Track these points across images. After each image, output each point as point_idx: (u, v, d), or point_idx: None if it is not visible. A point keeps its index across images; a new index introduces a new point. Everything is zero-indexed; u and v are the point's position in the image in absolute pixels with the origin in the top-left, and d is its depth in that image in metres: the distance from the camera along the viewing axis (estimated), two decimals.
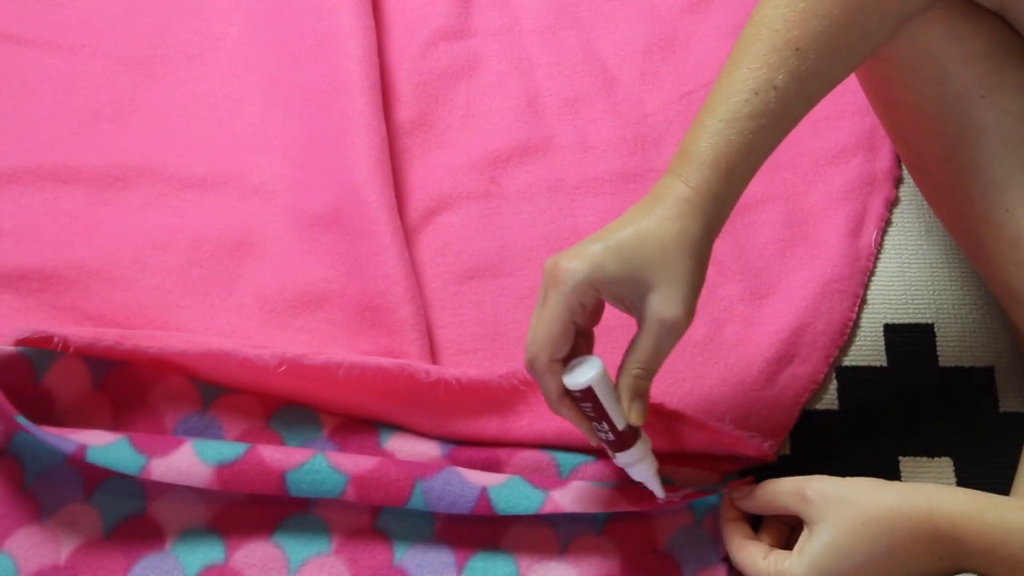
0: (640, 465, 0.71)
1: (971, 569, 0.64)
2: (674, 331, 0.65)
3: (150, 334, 0.81)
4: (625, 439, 0.69)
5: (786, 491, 0.70)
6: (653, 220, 0.64)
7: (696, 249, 0.65)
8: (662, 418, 0.77)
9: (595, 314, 0.68)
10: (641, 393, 0.67)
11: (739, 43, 0.66)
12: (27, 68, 0.97)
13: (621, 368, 0.66)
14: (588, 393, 0.65)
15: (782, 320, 0.87)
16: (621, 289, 0.64)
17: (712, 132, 0.65)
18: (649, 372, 0.66)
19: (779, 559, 0.68)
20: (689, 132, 0.66)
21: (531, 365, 0.66)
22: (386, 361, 0.78)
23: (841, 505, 0.66)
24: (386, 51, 0.99)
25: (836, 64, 0.66)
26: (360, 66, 0.94)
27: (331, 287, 0.86)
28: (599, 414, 0.67)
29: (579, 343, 0.68)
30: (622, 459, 0.70)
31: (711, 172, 0.65)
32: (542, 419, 0.79)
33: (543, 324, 0.64)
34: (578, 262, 0.63)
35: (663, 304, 0.64)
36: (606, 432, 0.68)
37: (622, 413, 0.67)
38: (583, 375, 0.65)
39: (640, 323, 0.65)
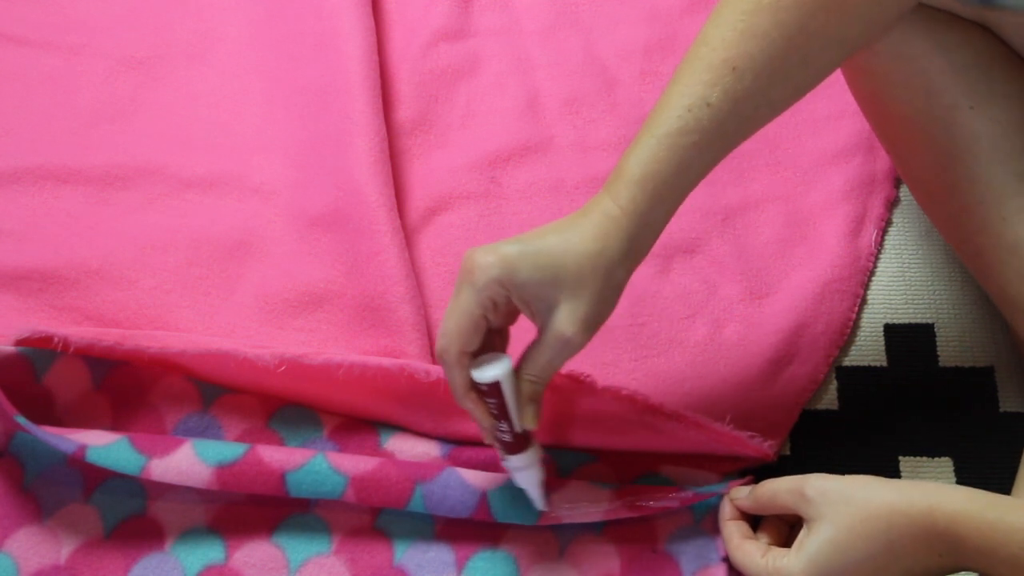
0: (528, 471, 0.71)
1: (970, 567, 0.64)
2: (569, 348, 0.65)
3: (150, 334, 0.81)
4: (520, 442, 0.69)
5: (785, 489, 0.70)
6: (575, 235, 0.64)
7: (611, 272, 0.64)
8: (662, 418, 0.77)
9: (510, 313, 0.67)
10: (535, 397, 0.67)
11: (681, 62, 0.66)
12: (28, 68, 0.97)
13: (516, 373, 0.66)
14: (494, 389, 0.66)
15: (782, 320, 0.87)
16: (529, 295, 0.64)
17: (643, 148, 0.64)
18: (543, 380, 0.66)
19: (777, 557, 0.68)
20: (626, 150, 0.65)
21: (441, 356, 0.66)
22: (386, 361, 0.78)
23: (840, 502, 0.66)
24: (386, 51, 1.00)
25: (774, 87, 0.65)
26: (360, 66, 0.94)
27: (331, 287, 0.86)
28: (501, 412, 0.67)
29: (494, 340, 0.68)
30: (513, 462, 0.70)
31: (638, 191, 0.64)
32: (542, 420, 0.78)
33: (454, 317, 0.64)
34: (493, 260, 0.63)
35: (564, 320, 0.63)
36: (504, 432, 0.68)
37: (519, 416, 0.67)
38: (491, 371, 0.65)
39: (540, 332, 0.65)
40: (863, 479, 0.67)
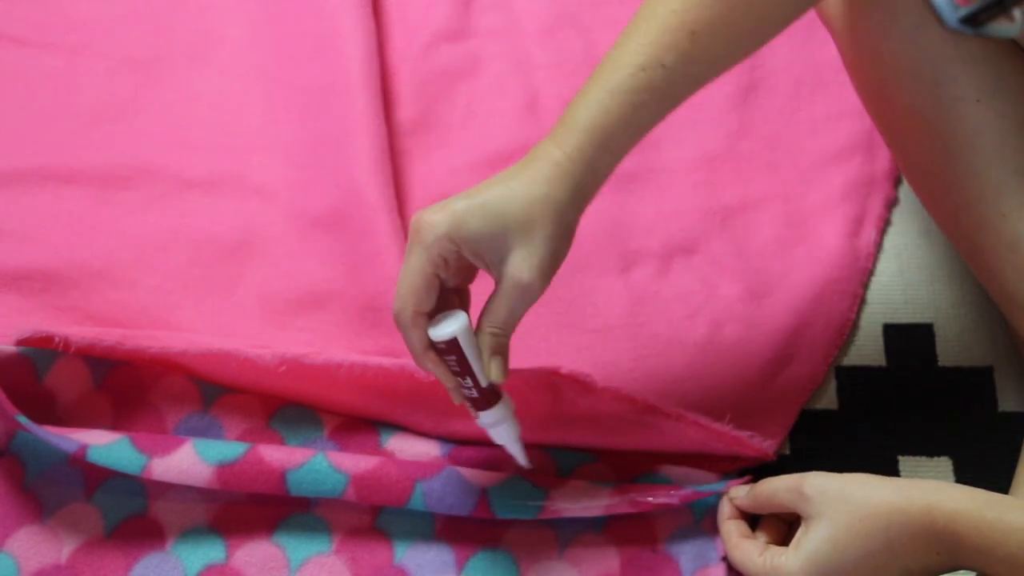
0: (502, 426, 0.70)
1: (969, 566, 0.64)
2: (528, 294, 0.65)
3: (151, 334, 0.81)
4: (487, 397, 0.69)
5: (783, 488, 0.70)
6: (521, 181, 0.64)
7: (561, 215, 0.64)
8: (662, 418, 0.77)
9: (464, 271, 0.67)
10: (500, 350, 0.67)
11: (636, 16, 0.66)
12: (29, 69, 0.97)
13: (478, 327, 0.66)
14: (452, 345, 0.65)
15: (781, 320, 0.88)
16: (480, 247, 0.64)
17: (593, 100, 0.65)
18: (506, 331, 0.66)
19: (775, 555, 0.68)
20: (573, 100, 0.66)
21: (397, 318, 0.66)
22: (386, 361, 0.78)
23: (838, 500, 0.67)
24: (387, 52, 1.00)
25: (728, 50, 0.66)
26: (361, 67, 0.94)
27: (332, 287, 0.87)
28: (463, 368, 0.67)
29: (451, 299, 0.68)
30: (484, 419, 0.70)
31: (586, 139, 0.64)
32: (542, 420, 0.79)
33: (406, 277, 0.64)
34: (440, 216, 0.63)
35: (519, 266, 0.64)
36: (470, 388, 0.68)
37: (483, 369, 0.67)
38: (447, 327, 0.65)
39: (497, 283, 0.65)
40: (862, 477, 0.67)
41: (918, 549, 0.64)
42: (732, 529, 0.74)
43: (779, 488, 0.71)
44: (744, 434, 0.78)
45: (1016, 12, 0.45)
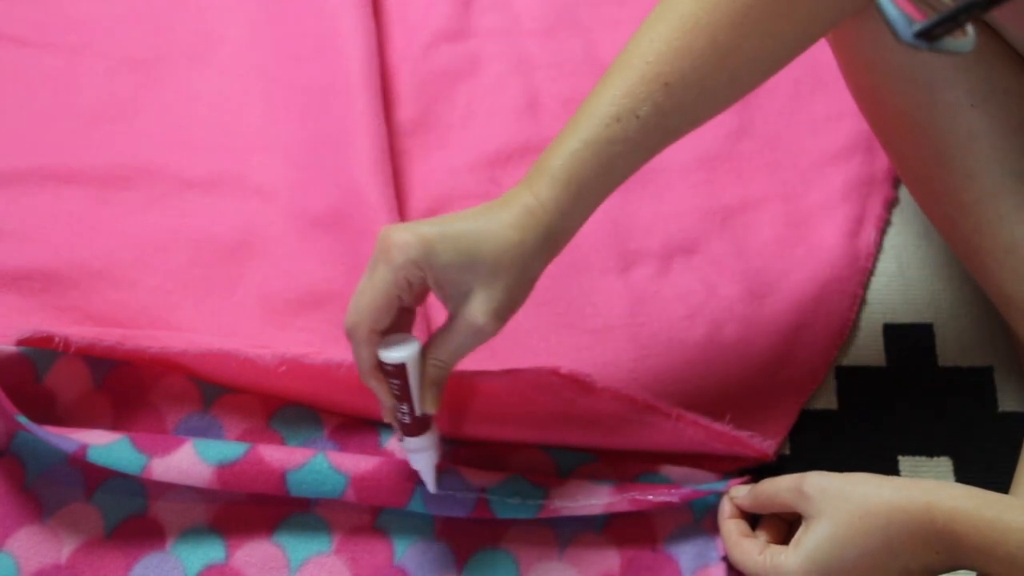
0: (424, 454, 0.71)
1: (968, 565, 0.64)
2: (480, 336, 0.65)
3: (151, 334, 0.80)
4: (419, 425, 0.69)
5: (783, 487, 0.70)
6: (495, 223, 0.64)
7: (528, 264, 0.65)
8: (662, 417, 0.77)
9: (422, 294, 0.67)
10: (438, 382, 0.67)
11: (611, 67, 0.66)
12: (29, 69, 0.97)
13: (423, 356, 0.66)
14: (399, 371, 0.66)
15: (781, 320, 0.88)
16: (445, 279, 0.63)
17: (568, 152, 0.64)
18: (448, 365, 0.67)
19: (775, 554, 0.68)
20: (549, 147, 0.66)
21: (350, 332, 0.65)
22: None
23: (838, 499, 0.67)
24: (387, 52, 1.00)
25: (702, 103, 0.66)
26: (361, 67, 0.94)
27: (332, 287, 0.87)
28: (403, 394, 0.67)
29: (402, 318, 0.67)
30: (410, 444, 0.70)
31: (562, 190, 0.64)
32: (542, 420, 0.79)
33: (367, 294, 0.64)
34: (412, 240, 0.62)
35: (478, 309, 0.64)
36: (405, 414, 0.68)
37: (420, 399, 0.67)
38: (398, 352, 0.65)
39: (451, 317, 0.65)
40: (862, 476, 0.67)
41: (918, 548, 0.64)
42: (732, 528, 0.74)
43: (779, 487, 0.71)
44: (744, 434, 0.78)
45: (968, 27, 0.45)
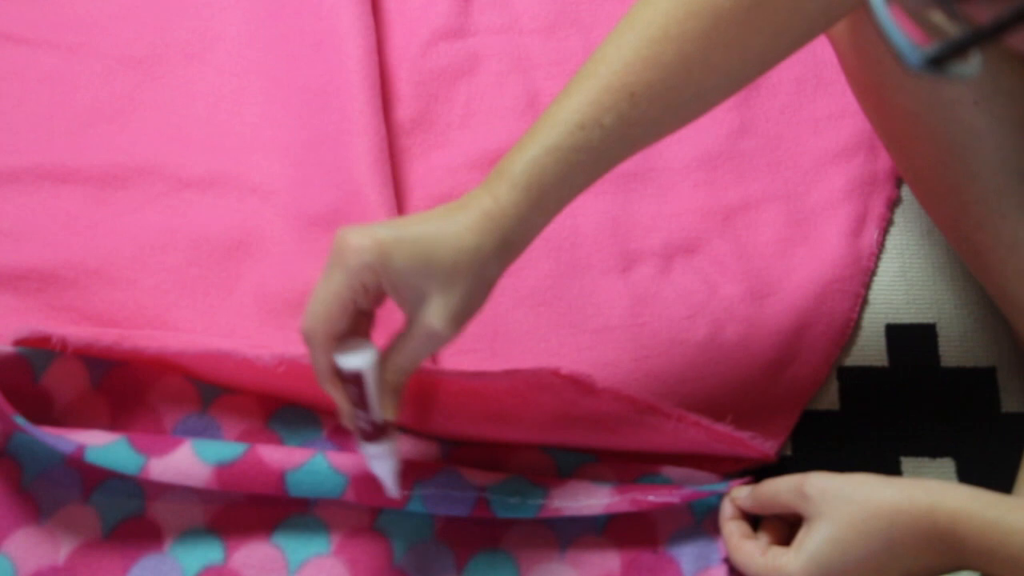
0: (384, 461, 0.70)
1: (971, 566, 0.64)
2: (437, 341, 0.64)
3: (149, 334, 0.80)
4: (378, 431, 0.68)
5: (785, 488, 0.70)
6: (452, 227, 0.63)
7: (485, 269, 0.64)
8: (662, 418, 0.77)
9: (378, 298, 0.66)
10: (397, 388, 0.66)
11: (577, 74, 0.65)
12: (26, 67, 0.97)
13: (382, 364, 0.66)
14: (356, 378, 0.65)
15: (783, 320, 0.87)
16: (401, 283, 0.62)
17: (530, 157, 0.63)
18: (408, 372, 0.66)
19: (777, 555, 0.68)
20: (510, 151, 0.65)
21: (307, 338, 0.65)
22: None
23: (840, 500, 0.66)
24: (386, 50, 0.99)
25: (667, 115, 0.65)
26: (360, 65, 0.93)
27: None
28: (361, 401, 0.66)
29: (359, 321, 0.67)
30: (369, 450, 0.69)
31: (522, 195, 0.63)
32: (542, 420, 0.78)
33: (322, 299, 0.63)
34: (367, 243, 0.61)
35: (435, 315, 0.63)
36: (363, 420, 0.67)
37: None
38: (354, 359, 0.65)
39: (407, 322, 0.65)
40: (864, 477, 0.67)
41: (920, 549, 0.64)
42: (734, 530, 0.74)
43: (781, 488, 0.71)
44: (745, 435, 0.78)
45: (974, 54, 0.45)
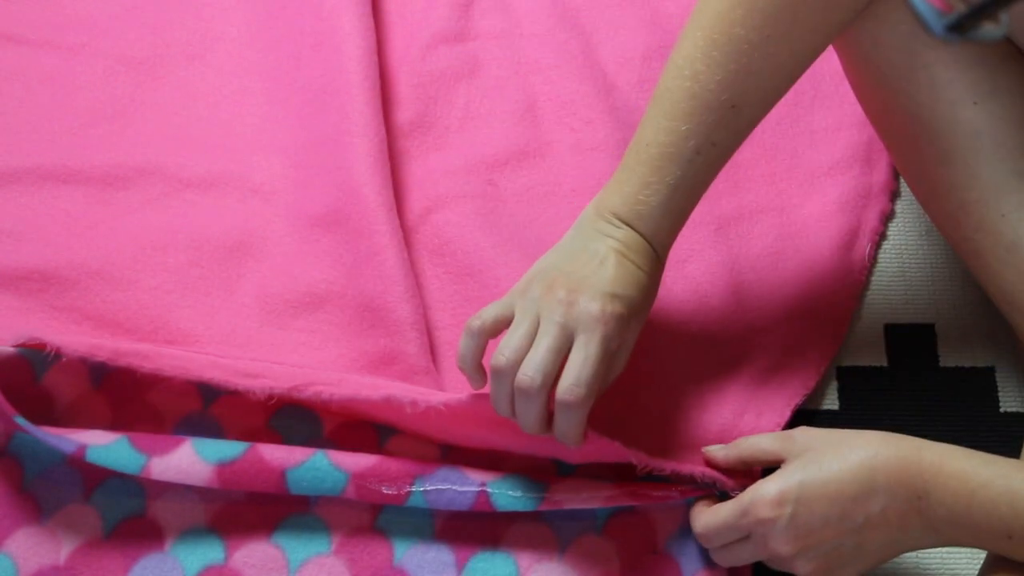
0: None
1: (941, 515, 0.65)
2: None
3: (144, 352, 0.79)
4: None
5: (769, 437, 0.72)
6: (642, 277, 0.72)
7: (654, 293, 0.75)
8: (659, 465, 0.76)
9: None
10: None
11: (669, 96, 0.71)
12: (27, 68, 0.97)
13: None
14: None
15: (773, 333, 0.87)
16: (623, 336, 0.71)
17: (665, 196, 0.71)
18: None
19: (751, 489, 0.69)
20: (639, 188, 0.71)
21: (539, 391, 0.68)
22: (373, 393, 0.76)
23: (828, 434, 0.69)
24: (386, 53, 1.00)
25: (766, 111, 0.73)
26: (360, 67, 0.94)
27: (331, 287, 0.86)
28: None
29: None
30: None
31: (667, 236, 0.74)
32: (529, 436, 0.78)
33: (589, 366, 0.67)
34: (618, 309, 0.69)
35: (625, 359, 0.73)
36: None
37: None
38: None
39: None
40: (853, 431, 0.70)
41: (899, 486, 0.65)
42: (700, 507, 0.75)
43: (764, 438, 0.73)
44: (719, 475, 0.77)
45: (1002, 14, 0.45)
